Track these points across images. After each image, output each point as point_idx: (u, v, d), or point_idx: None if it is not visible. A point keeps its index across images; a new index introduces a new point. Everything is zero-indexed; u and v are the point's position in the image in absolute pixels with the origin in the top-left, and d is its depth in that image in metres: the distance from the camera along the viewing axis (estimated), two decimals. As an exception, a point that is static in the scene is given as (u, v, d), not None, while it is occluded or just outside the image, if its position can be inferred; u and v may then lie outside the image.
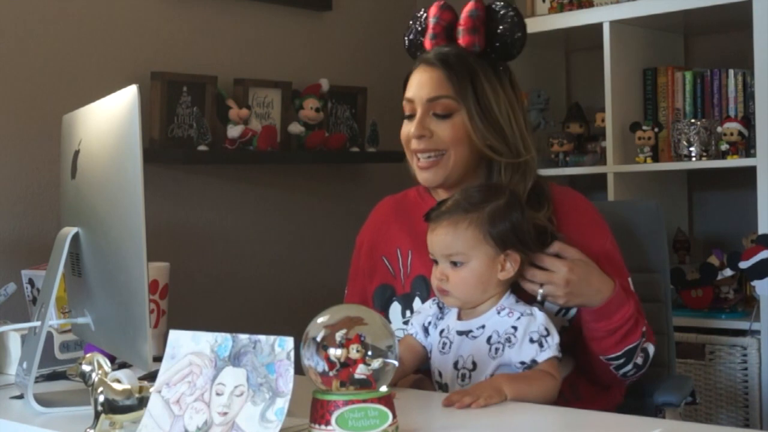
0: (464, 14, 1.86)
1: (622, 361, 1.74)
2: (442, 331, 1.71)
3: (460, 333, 1.69)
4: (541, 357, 1.62)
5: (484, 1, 1.87)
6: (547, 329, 1.63)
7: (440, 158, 1.82)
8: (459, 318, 1.71)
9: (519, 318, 1.65)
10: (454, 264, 1.68)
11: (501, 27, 1.84)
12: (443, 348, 1.70)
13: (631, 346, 1.73)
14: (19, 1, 2.64)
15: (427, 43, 1.89)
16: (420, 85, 1.84)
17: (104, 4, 2.82)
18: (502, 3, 1.89)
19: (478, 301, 1.68)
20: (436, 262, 1.71)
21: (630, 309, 1.73)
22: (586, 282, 1.70)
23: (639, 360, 1.76)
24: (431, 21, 1.88)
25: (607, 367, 1.76)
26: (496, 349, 1.64)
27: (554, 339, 1.63)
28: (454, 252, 1.67)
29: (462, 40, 1.85)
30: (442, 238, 1.68)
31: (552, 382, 1.62)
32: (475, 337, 1.67)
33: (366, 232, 2.01)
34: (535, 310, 1.66)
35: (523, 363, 1.63)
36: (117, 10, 2.84)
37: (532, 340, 1.63)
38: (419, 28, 1.92)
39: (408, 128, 1.85)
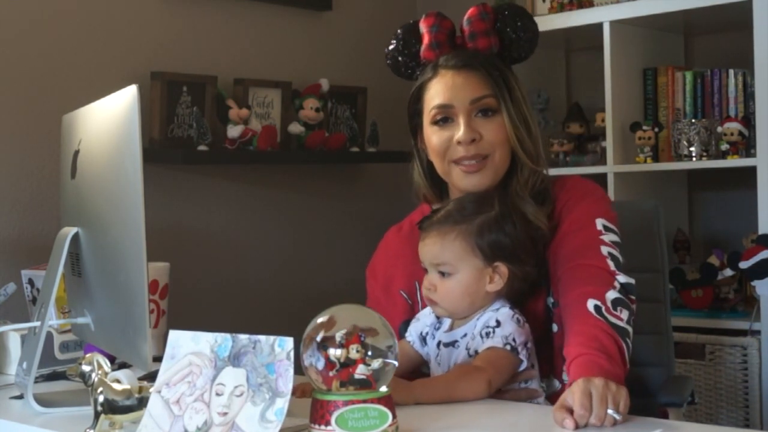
0: (474, 18, 1.82)
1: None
2: (438, 343, 1.72)
3: (446, 345, 1.70)
4: (482, 347, 1.62)
5: (488, 3, 1.86)
6: (498, 321, 1.63)
7: (485, 161, 1.77)
8: (450, 328, 1.72)
9: (488, 317, 1.65)
10: (442, 274, 1.68)
11: (511, 28, 1.82)
12: (439, 359, 1.71)
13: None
14: (19, 1, 2.64)
15: (428, 53, 1.84)
16: (456, 88, 1.78)
17: (104, 4, 2.82)
18: (508, 4, 1.87)
19: (466, 312, 1.69)
20: (426, 270, 1.71)
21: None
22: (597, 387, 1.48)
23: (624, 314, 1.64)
24: (431, 30, 1.83)
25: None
26: (471, 356, 1.65)
27: (503, 330, 1.62)
28: (442, 262, 1.67)
29: (478, 43, 1.81)
30: (430, 248, 1.69)
31: (473, 378, 1.58)
32: (459, 347, 1.68)
33: (378, 266, 1.95)
34: (504, 308, 1.66)
35: (472, 356, 1.64)
36: (117, 10, 2.84)
37: (481, 335, 1.64)
38: (409, 43, 1.86)
39: (446, 134, 1.78)
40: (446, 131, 1.79)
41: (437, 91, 1.80)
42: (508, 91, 1.78)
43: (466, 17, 1.84)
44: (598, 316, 1.61)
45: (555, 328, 1.76)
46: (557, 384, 1.77)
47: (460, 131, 1.76)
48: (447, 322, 1.73)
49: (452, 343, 1.69)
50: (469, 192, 1.79)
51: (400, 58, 1.88)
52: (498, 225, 1.68)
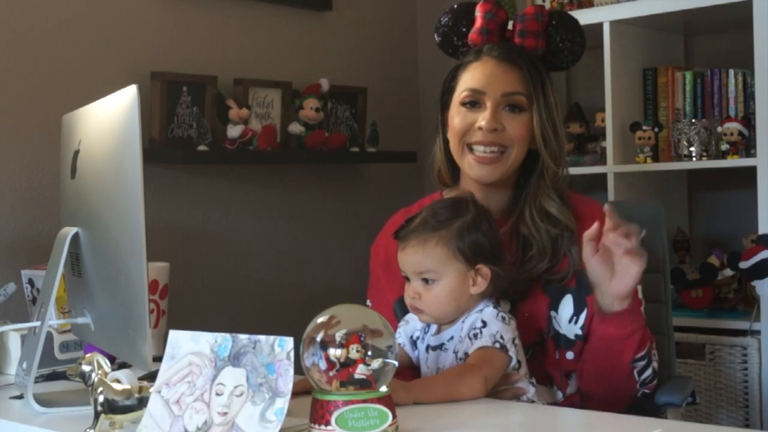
0: (528, 16, 1.86)
1: (645, 362, 1.73)
2: (427, 347, 1.73)
3: (434, 348, 1.71)
4: (472, 348, 1.63)
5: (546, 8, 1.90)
6: (484, 321, 1.64)
7: (501, 155, 1.81)
8: (437, 331, 1.72)
9: (474, 319, 1.66)
10: (426, 282, 1.68)
11: (560, 37, 1.86)
12: (428, 362, 1.72)
13: (647, 347, 1.74)
14: (19, 1, 2.64)
15: (476, 36, 1.88)
16: (493, 77, 1.82)
17: (104, 4, 2.82)
18: (564, 13, 1.91)
19: (452, 317, 1.69)
20: (408, 279, 1.71)
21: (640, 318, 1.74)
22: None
23: (655, 363, 1.77)
24: (485, 16, 1.88)
25: (623, 378, 1.74)
26: (461, 358, 1.65)
27: (489, 330, 1.63)
28: (425, 270, 1.68)
29: (526, 41, 1.86)
30: (411, 257, 1.69)
31: (471, 376, 1.58)
32: (447, 350, 1.69)
33: (381, 244, 1.97)
34: (487, 308, 1.66)
35: (461, 359, 1.64)
36: (117, 10, 2.84)
37: (469, 337, 1.64)
38: (462, 22, 1.91)
39: (470, 118, 1.83)
40: (471, 115, 1.83)
41: (474, 75, 1.84)
42: (543, 95, 1.82)
43: (521, 14, 1.88)
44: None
45: (571, 355, 1.78)
46: (560, 395, 1.77)
47: (485, 118, 1.80)
48: (435, 325, 1.73)
49: (439, 346, 1.70)
50: (478, 181, 1.83)
51: (448, 33, 1.92)
52: (476, 227, 1.69)
